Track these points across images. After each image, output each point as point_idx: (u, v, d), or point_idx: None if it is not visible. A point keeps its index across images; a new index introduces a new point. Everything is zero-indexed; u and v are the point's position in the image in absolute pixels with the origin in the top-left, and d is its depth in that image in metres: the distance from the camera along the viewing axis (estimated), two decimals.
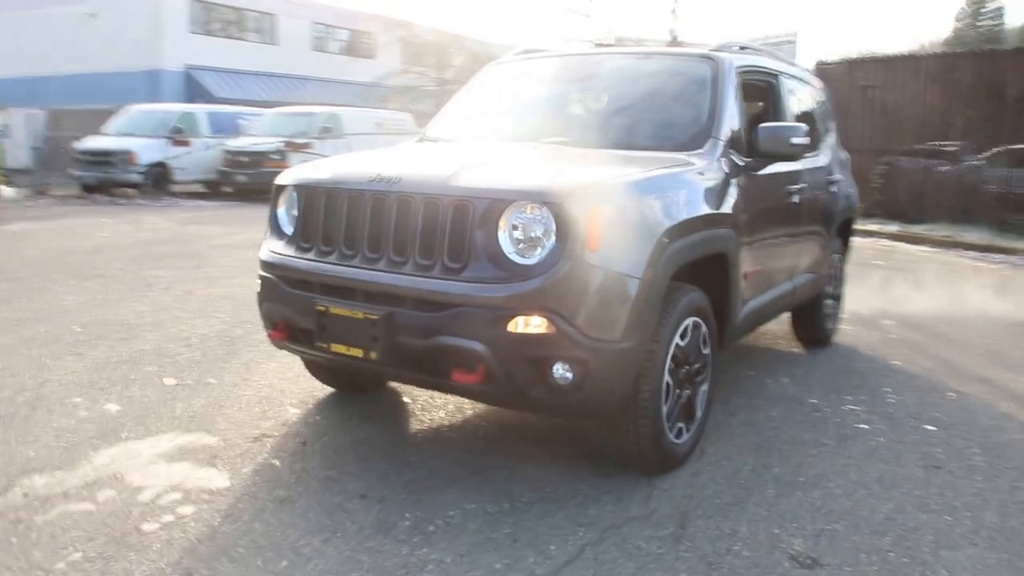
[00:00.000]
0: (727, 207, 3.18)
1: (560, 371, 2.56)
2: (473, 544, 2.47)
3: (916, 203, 11.23)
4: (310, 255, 2.99)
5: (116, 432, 3.32)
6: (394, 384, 3.96)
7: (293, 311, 3.00)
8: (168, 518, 2.59)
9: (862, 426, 3.57)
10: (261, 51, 28.27)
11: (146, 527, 2.53)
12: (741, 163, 3.41)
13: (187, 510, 2.65)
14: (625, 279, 2.61)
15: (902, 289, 6.86)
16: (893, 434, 3.48)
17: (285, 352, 4.52)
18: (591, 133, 3.44)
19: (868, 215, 11.25)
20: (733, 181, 3.29)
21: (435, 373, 2.70)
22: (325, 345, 2.85)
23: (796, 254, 4.11)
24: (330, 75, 29.28)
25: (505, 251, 2.60)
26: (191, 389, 3.88)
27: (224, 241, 9.46)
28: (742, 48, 3.93)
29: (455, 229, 2.64)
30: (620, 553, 2.43)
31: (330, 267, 2.87)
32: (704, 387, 3.14)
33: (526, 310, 2.51)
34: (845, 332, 5.25)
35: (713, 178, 3.17)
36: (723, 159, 3.28)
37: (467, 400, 3.74)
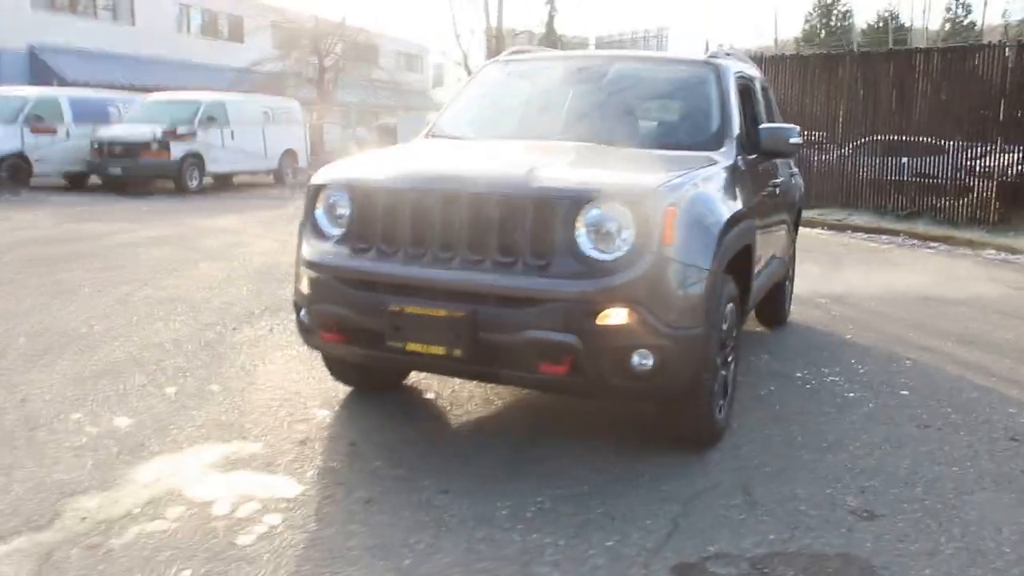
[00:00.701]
0: (749, 201, 3.47)
1: (639, 359, 2.73)
2: (576, 526, 2.59)
3: (805, 190, 12.30)
4: (370, 256, 2.96)
5: (143, 446, 3.14)
6: (411, 382, 3.96)
7: (355, 312, 2.96)
8: (260, 529, 2.52)
9: (850, 395, 4.00)
10: (117, 30, 26.00)
11: (241, 540, 2.45)
12: (748, 159, 3.71)
13: (275, 519, 2.58)
14: (698, 271, 2.81)
15: (821, 270, 7.57)
16: (878, 400, 3.93)
17: (280, 353, 4.47)
18: (617, 133, 3.59)
19: None
20: (747, 176, 3.58)
21: (520, 367, 2.78)
22: (399, 345, 2.85)
23: (774, 241, 4.51)
24: (194, 58, 27.46)
25: (583, 247, 2.73)
26: (198, 398, 3.70)
27: (125, 239, 8.80)
28: (727, 54, 4.25)
29: (537, 227, 2.73)
30: (709, 522, 2.64)
31: (401, 267, 2.87)
32: (732, 366, 3.41)
33: (614, 302, 2.66)
34: (792, 311, 5.76)
35: (739, 174, 3.45)
36: (738, 156, 3.57)
37: (494, 393, 3.82)
